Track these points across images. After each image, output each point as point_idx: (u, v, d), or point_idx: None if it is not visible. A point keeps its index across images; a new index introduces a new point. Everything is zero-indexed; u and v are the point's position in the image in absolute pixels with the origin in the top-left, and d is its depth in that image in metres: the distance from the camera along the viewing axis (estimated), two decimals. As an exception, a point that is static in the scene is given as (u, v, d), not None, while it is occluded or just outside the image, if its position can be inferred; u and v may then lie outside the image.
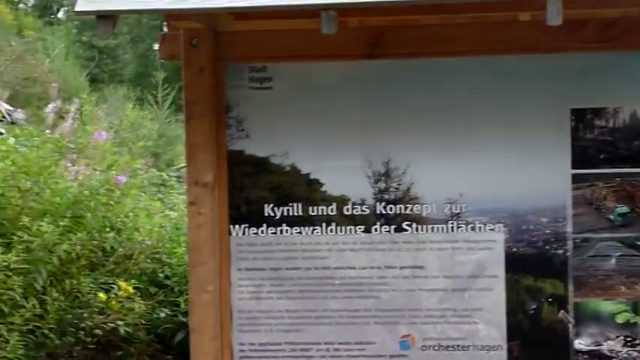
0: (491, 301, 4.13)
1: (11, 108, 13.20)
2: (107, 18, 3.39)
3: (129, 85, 20.58)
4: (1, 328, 5.13)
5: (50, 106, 13.54)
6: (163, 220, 6.76)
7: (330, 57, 4.10)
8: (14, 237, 5.42)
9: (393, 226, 4.14)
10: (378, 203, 4.15)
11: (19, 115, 12.88)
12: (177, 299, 5.98)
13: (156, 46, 24.56)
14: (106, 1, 3.46)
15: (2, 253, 5.22)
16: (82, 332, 5.66)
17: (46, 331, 5.43)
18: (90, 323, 5.67)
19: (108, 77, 21.17)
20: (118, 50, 23.48)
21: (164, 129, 16.36)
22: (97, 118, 12.98)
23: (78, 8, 3.44)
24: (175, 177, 9.85)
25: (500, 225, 4.11)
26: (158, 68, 19.10)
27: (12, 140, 6.80)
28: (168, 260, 6.30)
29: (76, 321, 5.63)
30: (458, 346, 4.14)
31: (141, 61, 24.44)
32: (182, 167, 11.97)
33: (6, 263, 5.17)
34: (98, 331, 5.69)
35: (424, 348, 4.16)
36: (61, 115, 12.98)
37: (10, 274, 5.20)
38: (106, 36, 3.47)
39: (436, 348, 4.15)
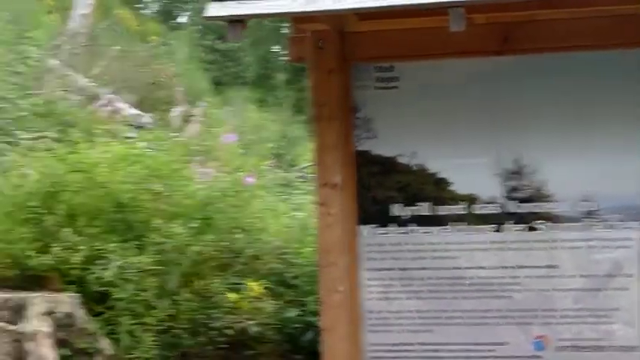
0: (629, 300, 4.01)
1: (139, 112, 13.55)
2: (237, 22, 3.44)
3: (251, 87, 20.84)
4: (136, 329, 5.27)
5: (176, 110, 13.89)
6: (290, 220, 6.81)
7: (457, 54, 4.06)
8: (147, 239, 5.56)
9: (524, 225, 4.07)
10: (508, 202, 4.08)
11: (147, 119, 13.21)
12: (306, 299, 6.00)
13: (277, 49, 24.75)
14: (236, 5, 3.51)
15: (136, 255, 5.36)
16: (214, 332, 5.76)
17: (179, 332, 5.54)
18: (221, 323, 5.77)
19: (230, 80, 21.47)
20: (239, 53, 23.77)
21: (286, 130, 16.52)
22: (221, 121, 13.19)
23: (209, 14, 3.50)
24: (299, 177, 9.92)
25: (637, 222, 3.99)
26: (279, 70, 19.27)
27: (142, 144, 6.97)
28: (295, 260, 6.34)
29: (207, 321, 5.74)
30: (594, 346, 4.03)
31: (262, 64, 24.70)
32: (304, 168, 12.06)
33: (140, 265, 5.30)
34: (229, 331, 5.79)
35: (559, 349, 4.07)
36: (186, 119, 13.29)
37: (144, 275, 5.34)
38: (236, 40, 3.52)
39: (571, 349, 4.06)
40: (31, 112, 10.02)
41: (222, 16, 3.45)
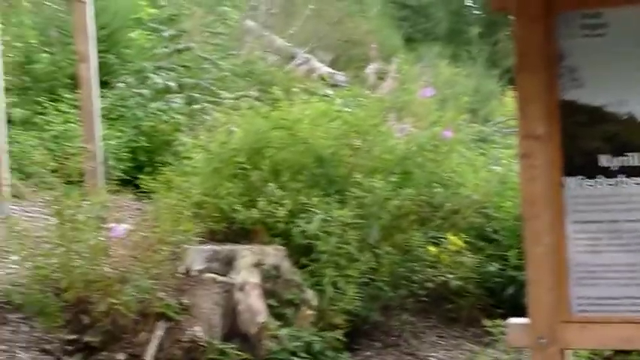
0: None
1: (333, 70, 13.76)
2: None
3: (443, 42, 20.67)
4: (339, 280, 5.39)
5: (370, 67, 14.00)
6: (488, 174, 6.74)
7: (669, -2, 3.87)
8: (348, 193, 5.66)
9: None
10: None
11: (340, 77, 13.42)
12: (506, 253, 5.95)
13: (469, 2, 24.37)
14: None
15: (338, 209, 5.47)
16: (415, 285, 5.82)
17: (380, 284, 5.63)
18: (421, 276, 5.82)
19: (422, 36, 21.37)
20: (430, 8, 23.61)
21: (479, 84, 16.32)
22: (415, 77, 13.19)
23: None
24: (495, 131, 9.81)
25: None
26: (472, 24, 18.99)
27: (339, 101, 7.09)
28: (495, 214, 6.28)
29: (408, 274, 5.80)
30: None
31: (453, 18, 24.43)
32: (500, 121, 11.89)
33: (342, 219, 5.41)
34: (429, 284, 5.83)
35: None
36: (380, 76, 13.37)
37: (346, 229, 5.44)
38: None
39: None
40: (232, 73, 10.37)
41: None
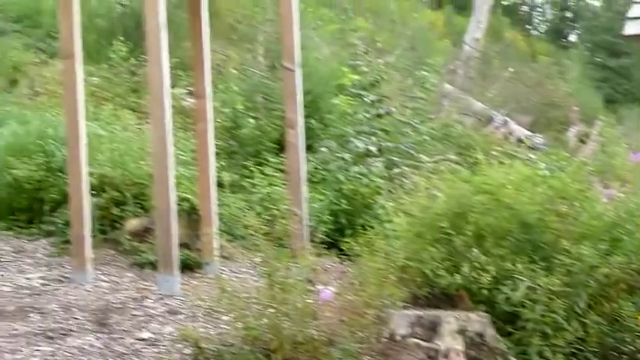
0: None
1: (531, 133, 13.62)
2: (658, 38, 3.35)
3: (645, 104, 20.06)
4: (545, 350, 5.27)
5: (571, 130, 13.75)
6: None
7: None
8: (555, 260, 5.54)
9: None
10: None
11: (538, 139, 13.24)
12: None
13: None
14: (655, 21, 3.42)
15: (545, 277, 5.37)
16: (624, 356, 5.60)
17: (588, 354, 5.46)
18: (632, 347, 5.60)
19: (623, 97, 20.81)
20: (631, 69, 22.98)
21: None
22: (617, 139, 12.85)
23: (627, 32, 3.45)
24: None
25: None
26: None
27: (542, 165, 6.99)
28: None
29: (617, 345, 5.59)
30: None
31: (656, 79, 23.69)
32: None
33: (549, 286, 5.31)
34: (640, 356, 5.60)
35: None
36: (581, 138, 13.12)
37: (552, 297, 5.33)
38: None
39: None
40: (430, 136, 10.45)
41: (642, 33, 3.39)
